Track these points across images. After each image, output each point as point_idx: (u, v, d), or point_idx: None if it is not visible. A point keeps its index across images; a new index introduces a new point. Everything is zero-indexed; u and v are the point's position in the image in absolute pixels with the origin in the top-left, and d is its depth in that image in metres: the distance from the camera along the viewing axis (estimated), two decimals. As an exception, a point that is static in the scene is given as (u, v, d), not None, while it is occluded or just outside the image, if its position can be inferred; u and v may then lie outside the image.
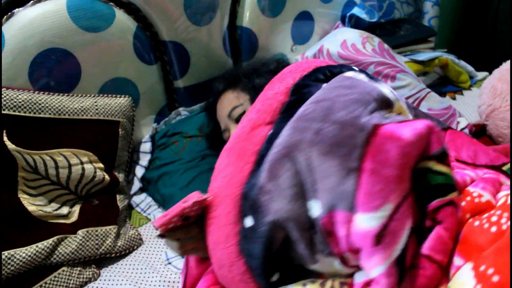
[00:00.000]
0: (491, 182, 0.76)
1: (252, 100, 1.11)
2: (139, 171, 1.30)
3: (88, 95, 1.20)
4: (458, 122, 1.44)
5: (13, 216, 1.04)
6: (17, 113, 1.07)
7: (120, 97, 1.25)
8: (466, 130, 1.37)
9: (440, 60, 1.61)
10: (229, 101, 1.13)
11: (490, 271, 0.57)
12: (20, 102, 1.07)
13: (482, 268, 0.59)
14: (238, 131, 0.83)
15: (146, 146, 1.33)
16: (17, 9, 1.09)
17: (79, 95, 1.18)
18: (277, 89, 0.86)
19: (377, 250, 0.63)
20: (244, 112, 1.07)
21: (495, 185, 0.77)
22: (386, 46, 1.55)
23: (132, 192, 1.29)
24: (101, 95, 1.22)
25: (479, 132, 1.35)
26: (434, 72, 1.64)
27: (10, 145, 1.04)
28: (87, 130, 1.16)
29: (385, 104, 0.77)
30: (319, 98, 0.77)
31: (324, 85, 0.83)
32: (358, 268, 0.70)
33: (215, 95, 1.20)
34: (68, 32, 1.14)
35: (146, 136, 1.36)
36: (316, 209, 0.68)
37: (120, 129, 1.22)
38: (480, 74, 1.74)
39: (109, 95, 1.24)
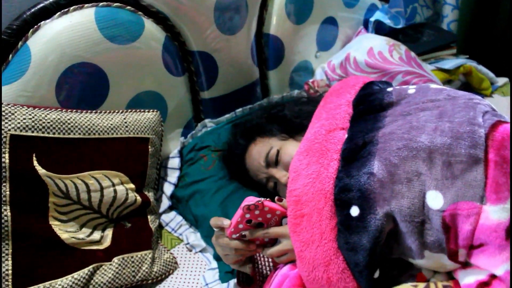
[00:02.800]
0: None
1: (282, 132, 1.05)
2: (168, 189, 1.24)
3: (117, 111, 1.13)
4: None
5: (46, 245, 0.99)
6: (46, 135, 1.00)
7: (148, 111, 1.18)
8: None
9: (465, 68, 1.59)
10: (258, 152, 1.05)
11: None
12: (48, 122, 1.00)
13: None
14: (311, 135, 0.86)
15: (174, 162, 1.27)
16: (43, 22, 1.02)
17: (108, 111, 1.12)
18: (337, 102, 0.91)
19: (507, 245, 0.62)
20: (278, 152, 1.00)
21: None
22: (413, 54, 1.51)
23: (160, 210, 1.23)
24: (130, 110, 1.16)
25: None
26: (457, 80, 1.62)
27: (40, 170, 0.98)
28: (117, 149, 1.10)
29: (488, 105, 0.78)
30: (421, 104, 0.80)
31: (410, 91, 0.86)
32: (462, 264, 0.69)
33: (237, 158, 1.12)
34: (97, 44, 1.07)
35: (174, 151, 1.30)
36: (437, 200, 0.67)
37: (149, 146, 1.16)
38: (500, 80, 1.72)
39: (138, 110, 1.17)
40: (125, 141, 1.12)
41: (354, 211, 0.72)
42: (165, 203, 1.24)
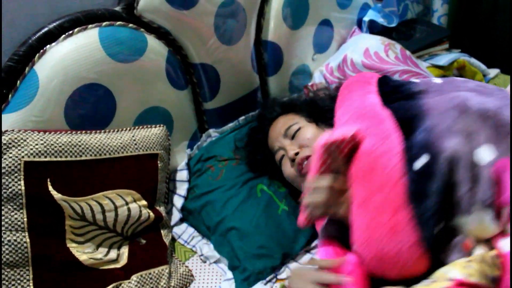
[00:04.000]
0: None
1: (311, 116, 1.15)
2: (178, 201, 1.26)
3: (125, 129, 1.14)
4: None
5: (66, 268, 1.00)
6: (59, 159, 1.01)
7: (155, 127, 1.19)
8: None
9: (458, 63, 1.62)
10: (284, 122, 1.17)
11: None
12: (60, 146, 1.00)
13: None
14: (354, 108, 0.93)
15: (182, 175, 1.28)
16: (49, 46, 1.01)
17: (116, 130, 1.12)
18: (362, 90, 0.98)
19: None
20: (299, 129, 1.11)
21: None
22: (408, 52, 1.54)
23: (172, 223, 1.25)
24: (137, 127, 1.17)
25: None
26: (452, 75, 1.65)
27: (56, 194, 0.98)
28: (128, 167, 1.11)
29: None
30: (454, 87, 0.89)
31: (436, 81, 0.96)
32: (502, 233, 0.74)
33: (266, 122, 1.23)
34: (103, 65, 1.07)
35: (181, 163, 1.30)
36: (487, 154, 0.75)
37: (159, 162, 1.17)
38: (492, 72, 1.76)
39: (145, 126, 1.18)
40: (135, 159, 1.12)
41: (421, 161, 0.78)
42: (176, 215, 1.25)
